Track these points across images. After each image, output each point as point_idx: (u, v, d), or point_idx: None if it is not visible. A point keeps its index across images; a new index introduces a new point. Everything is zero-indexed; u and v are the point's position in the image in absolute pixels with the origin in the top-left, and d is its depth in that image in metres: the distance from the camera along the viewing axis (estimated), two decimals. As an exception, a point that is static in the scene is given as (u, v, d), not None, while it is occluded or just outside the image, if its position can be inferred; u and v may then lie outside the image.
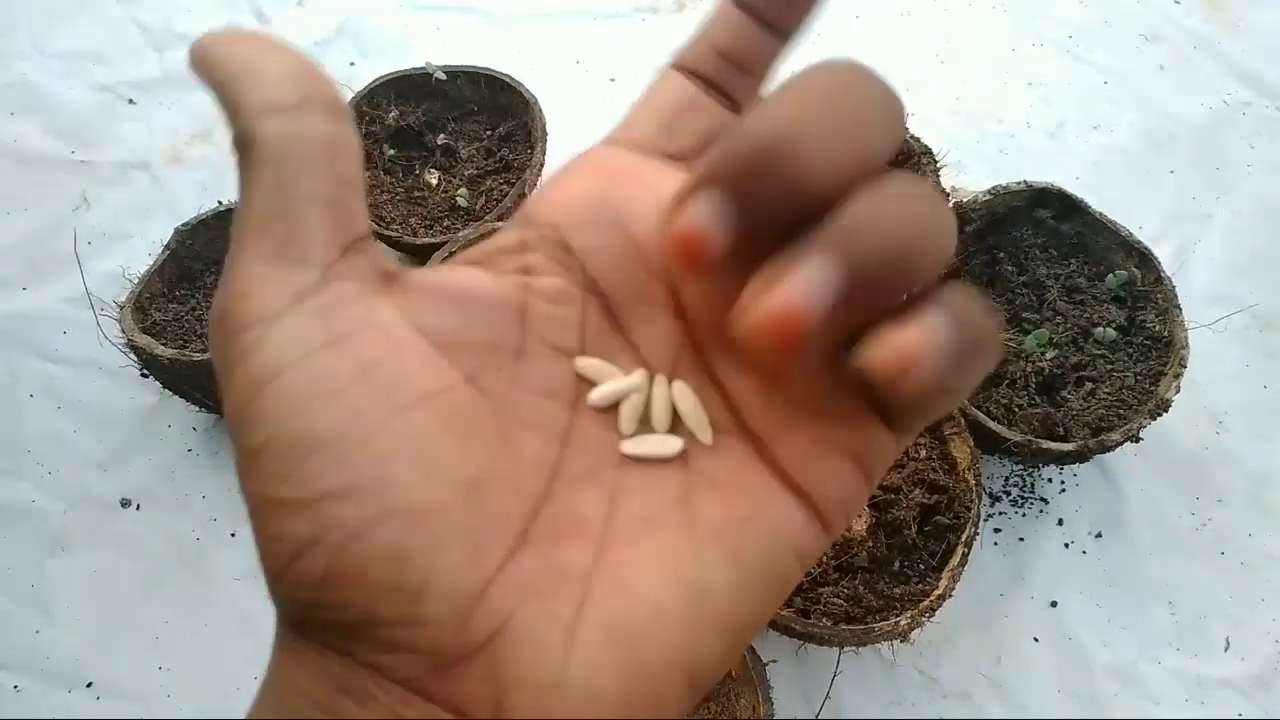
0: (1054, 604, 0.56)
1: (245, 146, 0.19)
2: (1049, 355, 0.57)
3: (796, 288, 0.17)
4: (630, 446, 0.22)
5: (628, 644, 0.20)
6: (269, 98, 0.19)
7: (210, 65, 0.20)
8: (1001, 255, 0.61)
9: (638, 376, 0.23)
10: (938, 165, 0.62)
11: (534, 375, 0.22)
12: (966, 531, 0.49)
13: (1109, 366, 0.56)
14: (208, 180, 0.74)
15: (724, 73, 0.25)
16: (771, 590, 0.21)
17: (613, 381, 0.23)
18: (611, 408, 0.23)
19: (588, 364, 0.23)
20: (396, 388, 0.19)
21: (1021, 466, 0.60)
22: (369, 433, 0.19)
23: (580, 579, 0.20)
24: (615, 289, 0.23)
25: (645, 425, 0.23)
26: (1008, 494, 0.59)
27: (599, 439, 0.23)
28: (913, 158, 0.63)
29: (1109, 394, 0.55)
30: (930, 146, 0.62)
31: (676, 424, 0.23)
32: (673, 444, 0.22)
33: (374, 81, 0.69)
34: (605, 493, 0.22)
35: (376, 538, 0.18)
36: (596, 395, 0.22)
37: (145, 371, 0.57)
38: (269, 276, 0.19)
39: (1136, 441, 0.53)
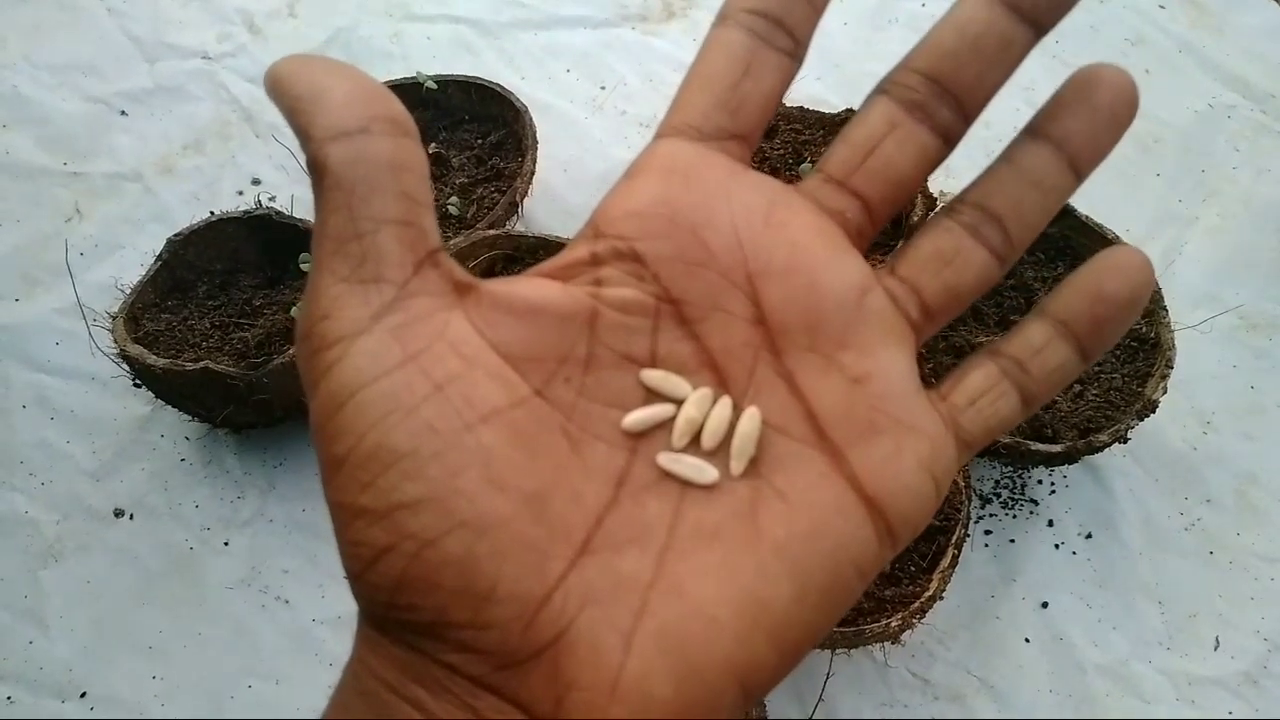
0: (1045, 605, 0.56)
1: (317, 172, 0.20)
2: (1037, 357, 0.57)
3: None
4: (665, 461, 0.23)
5: (682, 652, 0.20)
6: (335, 123, 0.20)
7: (280, 93, 0.21)
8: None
9: (697, 395, 0.23)
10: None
11: (603, 385, 0.23)
12: (957, 533, 0.50)
13: (1096, 368, 0.57)
14: (199, 191, 0.74)
15: (786, 4, 0.24)
16: (831, 605, 0.22)
17: (650, 409, 0.23)
18: (669, 423, 0.23)
19: (653, 376, 0.23)
20: (467, 404, 0.20)
21: (1011, 468, 0.60)
22: (440, 447, 0.20)
23: (640, 588, 0.21)
24: (690, 297, 0.23)
25: (696, 443, 0.23)
26: (998, 496, 0.59)
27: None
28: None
29: (1097, 395, 0.56)
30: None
31: (726, 446, 0.23)
32: (709, 473, 0.22)
33: (365, 91, 0.69)
34: (670, 502, 0.22)
35: (447, 547, 0.19)
36: (631, 420, 0.23)
37: (138, 382, 0.57)
38: (347, 297, 0.20)
39: (1125, 442, 0.54)
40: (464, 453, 0.20)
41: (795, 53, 0.24)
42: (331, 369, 0.20)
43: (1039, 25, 0.23)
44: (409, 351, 0.20)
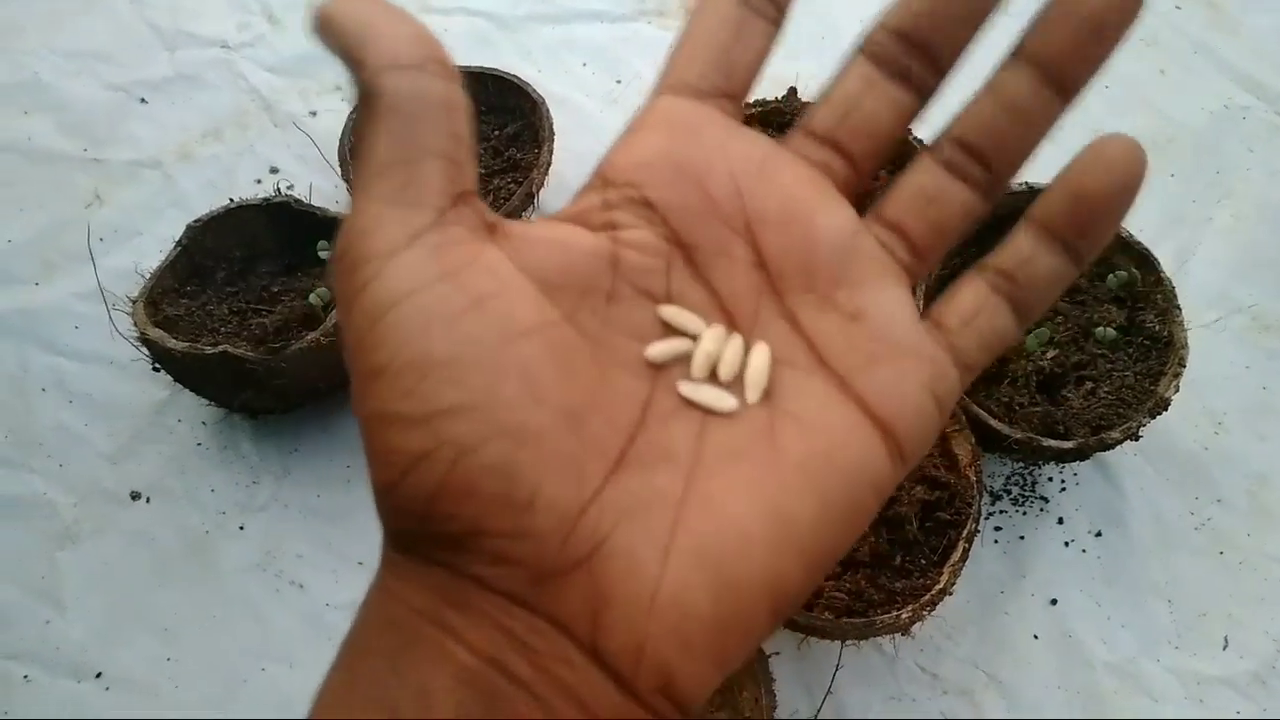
0: (1054, 601, 0.56)
1: (370, 98, 0.21)
2: (1050, 354, 0.57)
3: None
4: (687, 389, 0.23)
5: (718, 565, 0.21)
6: (394, 55, 0.21)
7: (334, 26, 0.21)
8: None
9: (712, 331, 0.24)
10: None
11: (625, 318, 0.23)
12: (967, 527, 0.50)
13: (1109, 366, 0.57)
14: (218, 178, 0.74)
15: None
16: (850, 522, 0.23)
17: (670, 341, 0.24)
18: (684, 358, 0.24)
19: (670, 311, 0.24)
20: (505, 319, 0.21)
21: (1022, 465, 0.60)
22: (481, 356, 0.20)
23: (673, 503, 0.22)
24: (696, 242, 0.24)
25: (713, 375, 0.24)
26: (1008, 493, 0.60)
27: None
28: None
29: (1109, 393, 0.56)
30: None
31: (739, 380, 0.24)
32: (729, 400, 0.23)
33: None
34: (694, 427, 0.23)
35: (487, 453, 0.20)
36: (654, 351, 0.23)
37: (157, 365, 0.58)
38: (388, 216, 0.21)
39: (1136, 440, 0.54)
40: (505, 363, 0.20)
41: (777, 20, 0.26)
42: (370, 283, 0.20)
43: None
44: (447, 268, 0.21)
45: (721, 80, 0.25)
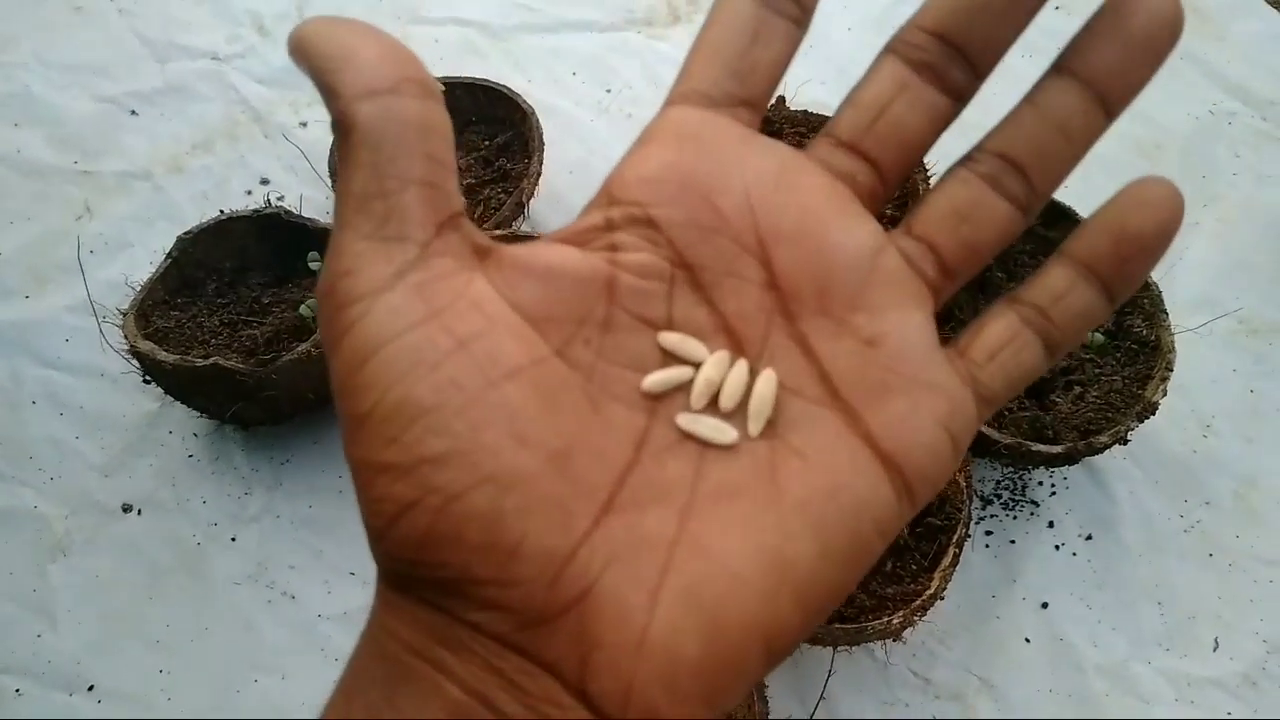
0: (1045, 605, 0.56)
1: (344, 129, 0.20)
2: (1038, 360, 0.58)
3: None
4: (685, 422, 0.23)
5: (708, 610, 0.20)
6: (365, 82, 0.20)
7: (308, 52, 0.21)
8: (991, 262, 0.62)
9: (715, 358, 0.23)
10: (928, 175, 0.63)
11: (621, 347, 0.23)
12: (958, 532, 0.50)
13: (1097, 370, 0.57)
14: (209, 190, 0.74)
15: None
16: (852, 564, 0.22)
17: (668, 371, 0.23)
18: (686, 386, 0.23)
19: (671, 338, 0.23)
20: (490, 360, 0.20)
21: (1012, 470, 0.60)
22: (465, 402, 0.20)
23: (664, 545, 0.21)
24: (703, 262, 0.23)
25: (714, 404, 0.23)
26: (999, 497, 0.60)
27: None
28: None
29: (1097, 397, 0.56)
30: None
31: (743, 408, 0.23)
32: (728, 433, 0.23)
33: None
34: (691, 461, 0.22)
35: (473, 501, 0.19)
36: (650, 382, 0.23)
37: (147, 378, 0.58)
38: (370, 254, 0.20)
39: (1125, 444, 0.54)
40: (489, 408, 0.20)
41: (801, 20, 0.24)
42: (354, 325, 0.20)
43: None
44: (432, 308, 0.20)
45: (736, 87, 0.24)
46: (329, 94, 0.20)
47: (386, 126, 0.20)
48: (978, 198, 0.24)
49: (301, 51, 0.21)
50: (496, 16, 0.85)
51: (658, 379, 0.23)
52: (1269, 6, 0.83)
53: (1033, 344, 0.24)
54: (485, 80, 0.71)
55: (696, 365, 0.23)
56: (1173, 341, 0.56)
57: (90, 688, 0.55)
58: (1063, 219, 0.60)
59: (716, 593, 0.20)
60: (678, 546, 0.21)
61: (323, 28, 0.21)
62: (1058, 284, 0.24)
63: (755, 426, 0.23)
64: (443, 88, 0.22)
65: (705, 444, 0.22)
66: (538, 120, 0.69)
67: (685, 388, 0.23)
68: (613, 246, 0.23)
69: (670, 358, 0.23)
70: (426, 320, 0.20)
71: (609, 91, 0.80)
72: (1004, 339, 0.24)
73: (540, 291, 0.22)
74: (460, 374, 0.20)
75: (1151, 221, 0.23)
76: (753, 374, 0.23)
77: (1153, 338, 0.57)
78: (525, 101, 0.70)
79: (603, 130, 0.78)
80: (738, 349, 0.23)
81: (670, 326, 0.23)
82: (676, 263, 0.23)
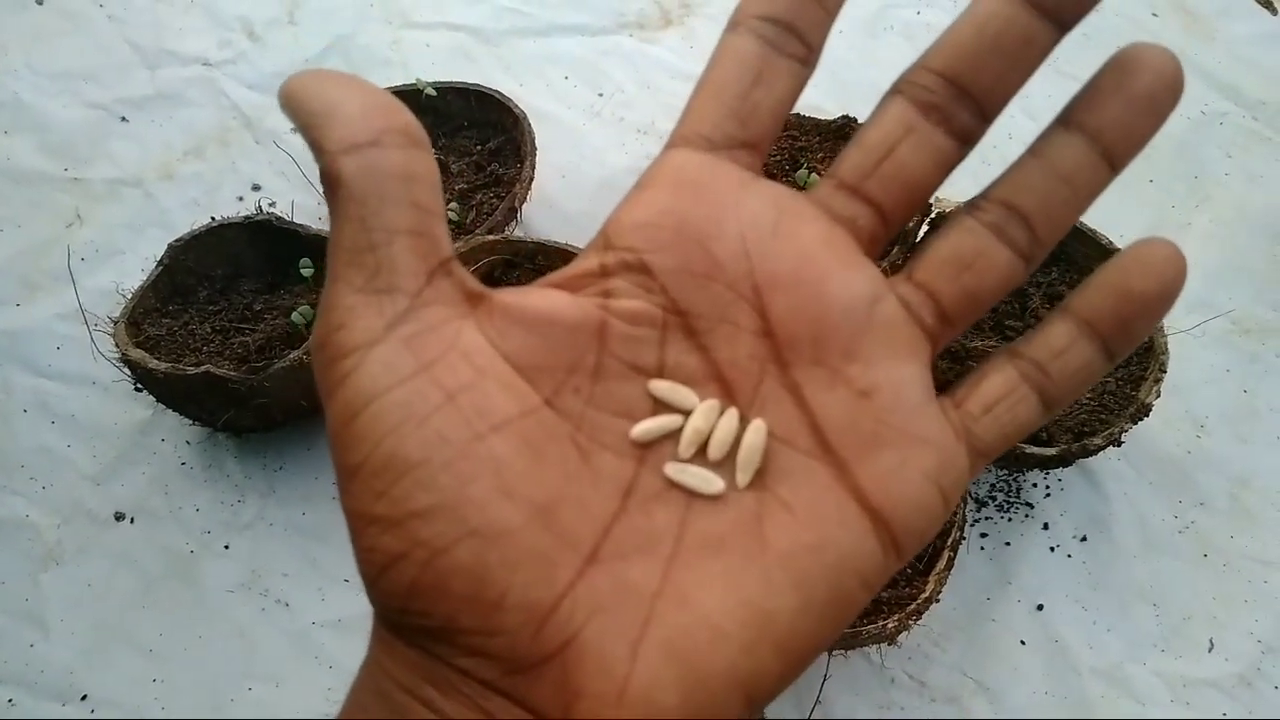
0: (1040, 607, 0.56)
1: (330, 184, 0.21)
2: (1032, 361, 0.58)
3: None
4: (672, 471, 0.23)
5: (688, 662, 0.21)
6: (347, 136, 0.20)
7: (294, 108, 0.21)
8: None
9: (704, 407, 0.23)
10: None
11: (611, 396, 0.23)
12: (952, 536, 0.50)
13: (1091, 372, 0.57)
14: (200, 196, 0.74)
15: (798, 9, 0.23)
16: (835, 616, 0.22)
17: (657, 419, 0.23)
18: (676, 434, 0.23)
19: (660, 387, 0.23)
20: (478, 413, 0.21)
21: (1007, 472, 0.60)
22: (451, 457, 0.20)
23: (647, 597, 0.21)
24: (697, 309, 0.23)
25: (703, 453, 0.23)
26: (993, 499, 0.60)
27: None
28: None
29: (1091, 399, 0.56)
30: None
31: (732, 457, 0.23)
32: (715, 484, 0.23)
33: (365, 98, 0.70)
34: (677, 511, 0.23)
35: (458, 555, 0.20)
36: (639, 430, 0.23)
37: (139, 386, 0.58)
38: (361, 307, 0.21)
39: (1119, 445, 0.54)
40: (475, 462, 0.20)
41: (808, 59, 0.24)
42: (347, 379, 0.20)
43: (1061, 22, 0.23)
44: (422, 361, 0.21)
45: (737, 129, 0.24)
46: (315, 149, 0.21)
47: (370, 180, 0.20)
48: (982, 246, 0.24)
49: (289, 107, 0.21)
50: (488, 21, 0.85)
51: (646, 427, 0.23)
52: (1259, 7, 0.84)
53: (1029, 399, 0.24)
54: (477, 85, 0.71)
55: (686, 413, 0.23)
56: (1166, 343, 0.56)
57: (83, 697, 0.54)
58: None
59: (697, 645, 0.21)
60: (660, 598, 0.21)
61: (308, 82, 0.21)
62: (1058, 340, 0.24)
63: (743, 477, 0.23)
64: (427, 135, 0.22)
65: (692, 493, 0.23)
66: (529, 124, 0.69)
67: (675, 435, 0.23)
68: (606, 293, 0.23)
69: (661, 405, 0.23)
70: (416, 374, 0.20)
71: (601, 95, 0.80)
72: (1001, 393, 0.24)
73: (531, 340, 0.22)
74: (448, 428, 0.20)
75: (1155, 283, 0.23)
76: (743, 422, 0.23)
77: (1146, 339, 0.57)
78: (517, 106, 0.70)
79: (595, 134, 0.77)
80: (729, 397, 0.23)
81: (662, 374, 0.23)
82: (670, 309, 0.23)
